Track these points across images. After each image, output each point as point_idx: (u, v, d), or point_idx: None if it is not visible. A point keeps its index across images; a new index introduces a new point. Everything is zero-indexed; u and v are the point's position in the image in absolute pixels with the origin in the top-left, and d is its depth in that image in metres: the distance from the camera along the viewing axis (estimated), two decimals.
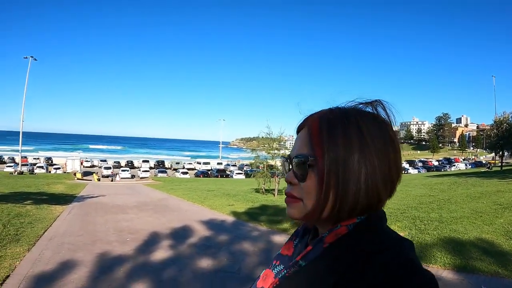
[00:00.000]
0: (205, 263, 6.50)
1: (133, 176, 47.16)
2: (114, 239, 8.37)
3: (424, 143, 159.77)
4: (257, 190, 19.80)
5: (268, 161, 19.59)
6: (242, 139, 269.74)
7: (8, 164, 52.46)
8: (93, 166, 63.25)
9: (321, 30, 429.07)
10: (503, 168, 36.37)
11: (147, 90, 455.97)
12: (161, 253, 7.19)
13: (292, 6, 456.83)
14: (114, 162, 67.30)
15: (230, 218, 11.47)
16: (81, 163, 53.58)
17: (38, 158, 67.89)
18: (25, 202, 13.47)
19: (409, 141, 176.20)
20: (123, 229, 9.58)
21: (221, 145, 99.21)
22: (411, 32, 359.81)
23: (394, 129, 0.78)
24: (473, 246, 6.53)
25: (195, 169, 63.69)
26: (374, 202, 0.73)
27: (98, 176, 42.92)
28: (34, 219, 10.19)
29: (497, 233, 7.33)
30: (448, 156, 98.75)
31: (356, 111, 0.77)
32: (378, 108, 0.79)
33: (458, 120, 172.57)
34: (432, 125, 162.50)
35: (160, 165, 69.39)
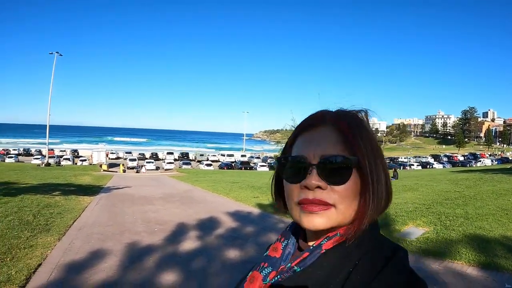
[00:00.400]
0: (232, 254, 6.59)
1: (157, 168, 48.33)
2: (142, 230, 8.60)
3: (449, 137, 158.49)
4: None
5: None
6: (265, 131, 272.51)
7: (35, 156, 55.18)
8: (118, 158, 65.20)
9: (358, 23, 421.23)
10: None
11: (171, 83, 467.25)
12: (189, 244, 7.33)
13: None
14: (139, 154, 69.31)
15: (255, 210, 11.59)
16: (107, 155, 55.39)
17: (64, 150, 70.66)
18: (53, 193, 14.04)
19: (434, 135, 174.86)
20: (150, 220, 9.83)
21: (244, 137, 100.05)
22: (438, 25, 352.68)
23: None
24: (498, 244, 6.40)
25: (219, 161, 64.96)
26: (383, 209, 0.77)
27: (124, 168, 44.12)
28: (63, 209, 10.61)
29: None
30: (474, 151, 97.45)
31: (361, 117, 0.80)
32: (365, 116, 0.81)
33: (485, 114, 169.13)
34: (458, 119, 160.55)
35: (184, 157, 70.84)
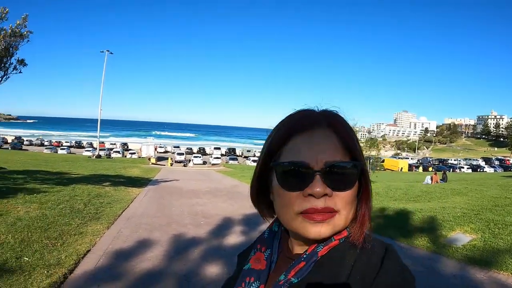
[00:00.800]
0: None
1: (204, 163, 49.58)
2: (189, 222, 8.79)
3: (502, 139, 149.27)
4: None
5: None
6: None
7: (86, 149, 59.35)
8: (166, 152, 67.55)
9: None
10: None
11: (221, 80, 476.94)
12: (234, 238, 7.39)
13: None
14: (187, 148, 71.66)
15: None
16: (155, 149, 57.74)
17: (114, 144, 74.51)
18: (104, 184, 14.77)
19: (486, 137, 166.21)
20: (197, 213, 10.03)
21: None
22: (493, 21, 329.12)
23: None
24: None
25: None
26: None
27: (172, 161, 45.63)
28: (113, 199, 11.12)
29: None
30: None
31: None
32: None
33: None
34: (511, 119, 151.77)
35: (231, 152, 72.29)
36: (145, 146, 57.11)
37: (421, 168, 61.16)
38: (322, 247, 0.73)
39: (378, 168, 22.34)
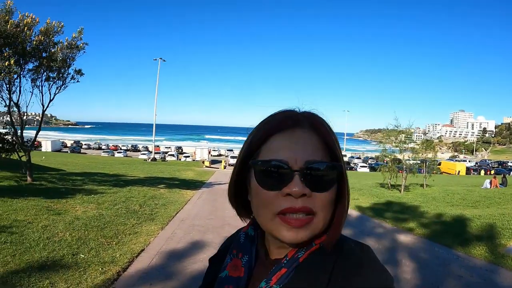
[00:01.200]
0: None
1: None
2: (242, 224, 8.78)
3: None
4: (382, 185, 19.60)
5: (396, 154, 18.89)
6: (366, 130, 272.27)
7: (142, 152, 62.61)
8: (220, 155, 68.93)
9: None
10: None
11: (271, 82, 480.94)
12: None
13: None
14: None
15: (354, 212, 11.41)
16: (209, 152, 59.40)
17: (169, 147, 77.31)
18: (158, 186, 15.34)
19: None
20: None
21: (345, 137, 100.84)
22: None
23: None
24: None
25: None
26: None
27: (225, 164, 46.42)
28: (167, 201, 11.49)
29: None
30: None
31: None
32: None
33: None
34: None
35: None
36: (199, 150, 59.20)
37: (482, 171, 57.24)
38: (303, 252, 0.74)
39: (434, 171, 21.37)
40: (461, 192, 15.95)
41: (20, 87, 12.38)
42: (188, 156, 58.26)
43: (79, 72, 13.64)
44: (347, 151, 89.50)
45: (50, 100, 13.20)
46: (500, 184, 22.21)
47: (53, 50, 12.59)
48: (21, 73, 12.24)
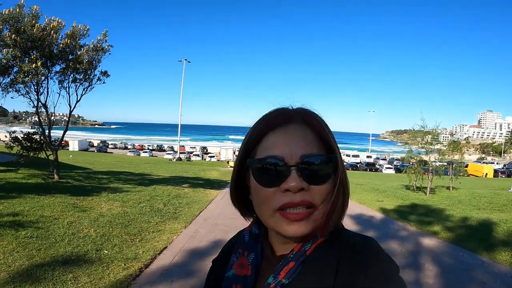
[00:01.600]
0: None
1: None
2: None
3: None
4: (407, 187, 19.31)
5: (421, 156, 18.55)
6: (392, 131, 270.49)
7: (167, 152, 63.94)
8: None
9: None
10: None
11: (294, 83, 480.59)
12: None
13: None
14: None
15: (378, 215, 11.29)
16: (234, 152, 59.96)
17: (194, 147, 78.36)
18: (183, 185, 15.55)
19: None
20: None
21: (371, 138, 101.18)
22: None
23: None
24: None
25: (344, 161, 65.61)
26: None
27: None
28: (191, 200, 11.63)
29: None
30: None
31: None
32: None
33: None
34: None
35: None
36: (223, 150, 60.01)
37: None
38: (310, 245, 0.76)
39: (461, 173, 20.85)
40: (488, 195, 15.50)
41: (47, 88, 12.82)
42: (213, 156, 58.99)
43: (104, 73, 14.00)
44: (372, 152, 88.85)
45: (77, 101, 13.59)
46: None
47: (79, 53, 12.97)
48: (49, 75, 12.65)
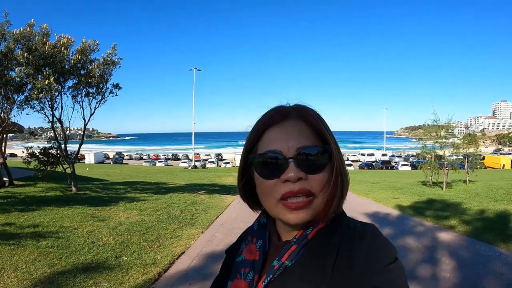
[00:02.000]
0: None
1: None
2: None
3: None
4: (423, 183, 19.17)
5: (436, 151, 18.39)
6: (407, 128, 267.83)
7: (183, 160, 64.95)
8: None
9: None
10: None
11: (309, 84, 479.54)
12: None
13: None
14: None
15: (394, 212, 11.22)
16: None
17: (209, 154, 78.71)
18: (199, 192, 15.68)
19: None
20: None
21: (385, 135, 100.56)
22: None
23: None
24: None
25: (359, 161, 65.67)
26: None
27: None
28: (207, 206, 11.74)
29: None
30: None
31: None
32: None
33: None
34: None
35: None
36: (238, 155, 59.72)
37: None
38: (311, 230, 0.82)
39: (478, 166, 20.51)
40: (505, 186, 15.22)
41: (61, 103, 13.15)
42: (228, 163, 59.08)
43: (116, 86, 14.31)
44: (388, 149, 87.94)
45: (91, 114, 13.90)
46: None
47: (90, 67, 13.30)
48: (62, 90, 12.98)
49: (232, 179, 26.64)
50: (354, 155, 74.35)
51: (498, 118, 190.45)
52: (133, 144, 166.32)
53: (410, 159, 59.90)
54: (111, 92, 14.17)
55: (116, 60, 13.86)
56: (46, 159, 13.62)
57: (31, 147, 14.50)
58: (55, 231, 6.91)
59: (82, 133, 14.55)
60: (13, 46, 11.52)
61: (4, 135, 15.10)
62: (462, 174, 17.95)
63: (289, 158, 0.78)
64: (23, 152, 15.57)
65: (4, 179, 13.92)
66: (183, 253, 6.35)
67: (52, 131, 13.66)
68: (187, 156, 73.87)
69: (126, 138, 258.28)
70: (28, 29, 11.66)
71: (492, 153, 77.36)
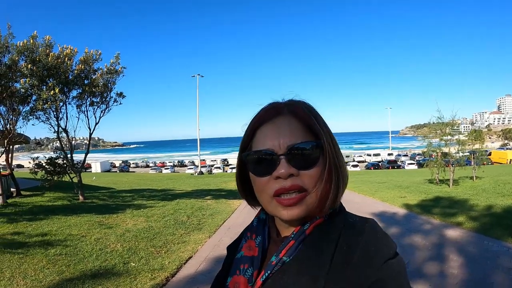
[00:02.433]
0: None
1: None
2: None
3: None
4: (430, 181, 19.13)
5: (442, 148, 18.36)
6: (412, 126, 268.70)
7: (189, 167, 64.91)
8: None
9: None
10: None
11: (314, 86, 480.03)
12: None
13: None
14: None
15: (401, 211, 11.17)
16: None
17: (215, 160, 78.81)
18: (205, 198, 15.72)
19: None
20: None
21: (390, 135, 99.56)
22: None
23: None
24: None
25: (365, 161, 65.61)
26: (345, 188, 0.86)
27: None
28: (214, 211, 11.76)
29: None
30: None
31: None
32: None
33: None
34: None
35: None
36: None
37: None
38: (308, 225, 0.82)
39: (484, 162, 20.46)
40: None
41: (66, 113, 13.31)
42: (234, 168, 59.14)
43: (120, 94, 14.45)
44: (394, 149, 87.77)
45: (96, 124, 14.04)
46: None
47: (94, 77, 13.45)
48: (67, 100, 13.15)
49: None
50: (360, 156, 74.18)
51: (503, 113, 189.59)
52: (138, 152, 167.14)
53: (417, 158, 59.74)
54: (115, 101, 14.31)
55: (119, 69, 14.00)
56: (52, 169, 13.74)
57: (37, 158, 14.64)
58: (63, 239, 6.98)
59: (87, 143, 14.66)
60: (17, 58, 11.64)
61: (11, 146, 15.23)
62: (468, 170, 17.89)
63: (280, 155, 0.79)
64: (29, 162, 15.73)
65: (12, 189, 14.08)
66: (190, 257, 6.39)
67: (58, 141, 13.78)
68: (193, 163, 74.06)
69: (132, 146, 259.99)
70: (31, 41, 11.82)
71: (499, 148, 76.87)
